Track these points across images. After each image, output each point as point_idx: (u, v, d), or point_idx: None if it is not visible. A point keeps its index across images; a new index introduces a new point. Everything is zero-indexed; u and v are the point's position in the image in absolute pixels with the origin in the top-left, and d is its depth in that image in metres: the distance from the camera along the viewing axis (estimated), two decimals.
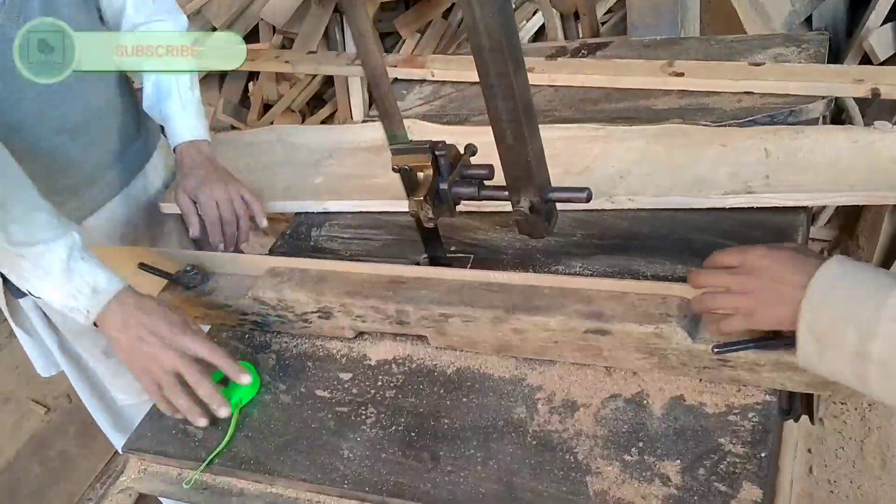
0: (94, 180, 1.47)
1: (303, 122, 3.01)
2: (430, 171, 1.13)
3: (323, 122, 2.98)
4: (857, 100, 2.36)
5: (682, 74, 1.46)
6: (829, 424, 2.07)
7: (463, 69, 1.74)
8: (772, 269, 0.86)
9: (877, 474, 1.95)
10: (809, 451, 2.03)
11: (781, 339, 0.90)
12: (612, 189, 1.27)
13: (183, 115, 1.45)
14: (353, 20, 1.07)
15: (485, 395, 1.07)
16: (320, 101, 3.02)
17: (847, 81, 1.33)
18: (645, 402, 1.00)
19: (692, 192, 1.22)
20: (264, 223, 1.41)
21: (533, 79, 1.64)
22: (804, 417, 1.41)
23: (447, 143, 1.13)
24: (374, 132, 1.59)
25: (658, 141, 1.34)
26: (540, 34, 2.81)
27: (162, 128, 1.57)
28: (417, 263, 1.28)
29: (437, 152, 1.12)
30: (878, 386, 0.76)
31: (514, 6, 2.85)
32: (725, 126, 1.33)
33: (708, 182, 1.23)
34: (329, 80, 2.96)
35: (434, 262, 1.28)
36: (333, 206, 1.44)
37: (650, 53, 1.62)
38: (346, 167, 1.55)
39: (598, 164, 1.34)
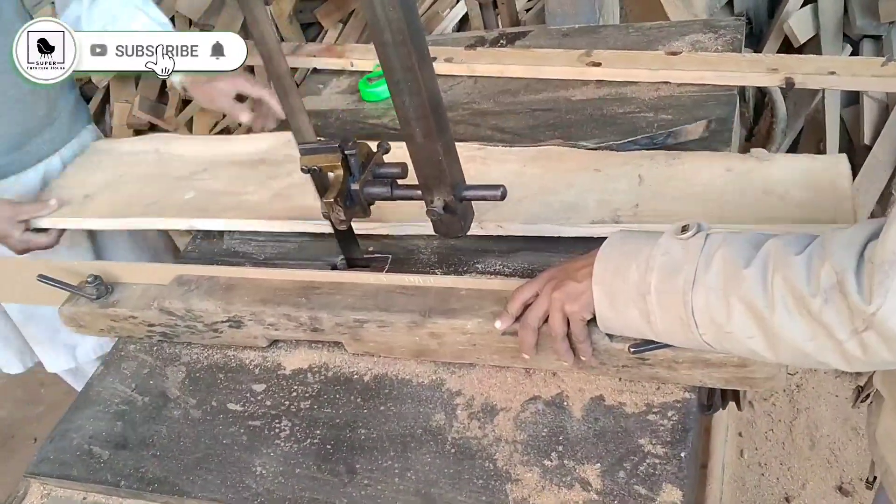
0: (18, 143, 1.49)
1: (223, 116, 2.92)
2: (341, 172, 1.08)
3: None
4: None
5: (599, 64, 1.44)
6: (759, 407, 2.10)
7: None
8: (562, 266, 0.94)
9: (806, 455, 1.98)
10: (740, 434, 2.05)
11: None
12: (483, 214, 1.19)
13: None
14: (253, 22, 1.02)
15: (403, 403, 1.03)
16: (241, 96, 2.93)
17: (762, 70, 1.32)
18: (565, 403, 0.97)
19: (561, 219, 1.16)
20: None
21: (452, 69, 1.61)
22: (731, 403, 1.41)
23: (358, 140, 1.09)
24: (255, 144, 1.53)
25: (535, 164, 1.28)
26: (464, 23, 2.78)
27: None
28: (334, 266, 1.24)
29: (346, 151, 1.08)
30: (659, 316, 0.82)
31: None
32: (604, 149, 1.26)
33: (578, 209, 1.16)
34: (250, 72, 2.88)
35: (351, 263, 1.23)
36: (200, 223, 1.35)
37: (569, 42, 1.60)
38: (220, 182, 1.44)
39: None
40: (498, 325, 0.97)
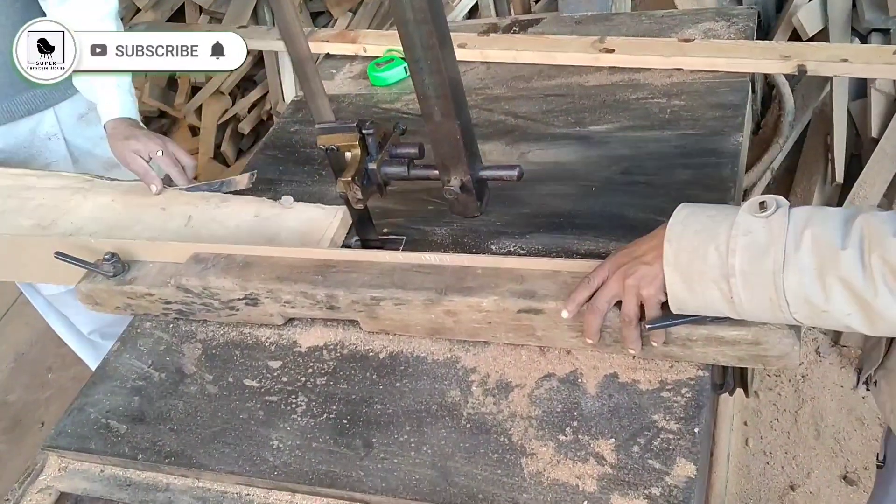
0: None
1: (233, 104, 2.93)
2: (358, 151, 1.10)
3: (254, 105, 2.91)
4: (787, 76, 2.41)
5: (612, 51, 1.45)
6: (764, 397, 2.11)
7: (396, 44, 1.70)
8: (627, 250, 0.92)
9: (811, 444, 1.99)
10: (745, 423, 2.06)
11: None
12: None
13: (117, 92, 1.47)
14: (277, 3, 1.03)
15: (418, 379, 1.04)
16: (251, 83, 2.95)
17: (774, 58, 1.33)
18: (579, 380, 0.99)
19: None
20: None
21: (465, 55, 1.62)
22: (739, 391, 1.43)
23: (375, 120, 1.10)
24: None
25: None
26: (474, 13, 2.79)
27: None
28: (349, 246, 1.25)
29: (364, 131, 1.09)
30: (745, 297, 0.81)
31: None
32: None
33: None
34: (259, 62, 2.89)
35: (365, 244, 1.24)
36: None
37: (581, 30, 1.61)
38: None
39: None
40: (564, 314, 0.95)
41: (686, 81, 1.39)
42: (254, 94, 2.86)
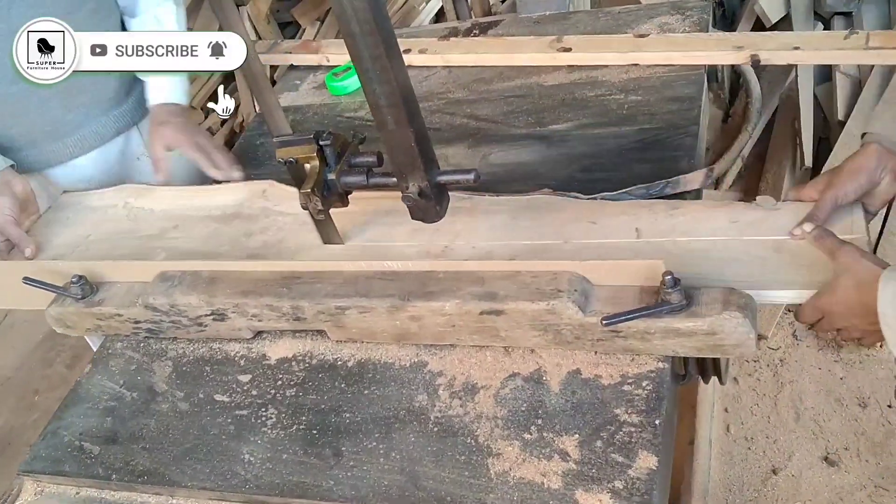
0: (57, 135, 1.49)
1: (206, 118, 2.93)
2: (317, 162, 1.10)
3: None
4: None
5: (570, 50, 1.47)
6: (744, 382, 2.13)
7: None
8: (833, 318, 0.93)
9: (791, 427, 2.01)
10: (726, 410, 2.08)
11: (665, 305, 0.91)
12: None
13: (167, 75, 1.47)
14: (225, 22, 1.04)
15: (386, 386, 1.05)
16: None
17: (727, 49, 1.35)
18: (543, 378, 1.00)
19: None
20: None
21: (427, 60, 1.63)
22: (714, 378, 1.44)
23: (332, 131, 1.11)
24: (228, 197, 1.38)
25: (525, 214, 1.17)
26: (441, 17, 2.80)
27: None
28: None
29: (321, 142, 1.10)
30: None
31: None
32: (598, 199, 1.15)
33: None
34: (230, 74, 2.89)
35: None
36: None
37: (540, 29, 1.62)
38: (193, 241, 1.32)
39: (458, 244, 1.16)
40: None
41: (643, 76, 1.41)
42: None
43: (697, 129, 1.26)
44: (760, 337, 2.20)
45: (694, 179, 1.17)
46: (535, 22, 1.66)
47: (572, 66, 1.48)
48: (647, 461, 0.87)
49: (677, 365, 1.03)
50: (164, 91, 1.48)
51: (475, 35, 1.68)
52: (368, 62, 0.95)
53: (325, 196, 1.11)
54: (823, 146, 2.51)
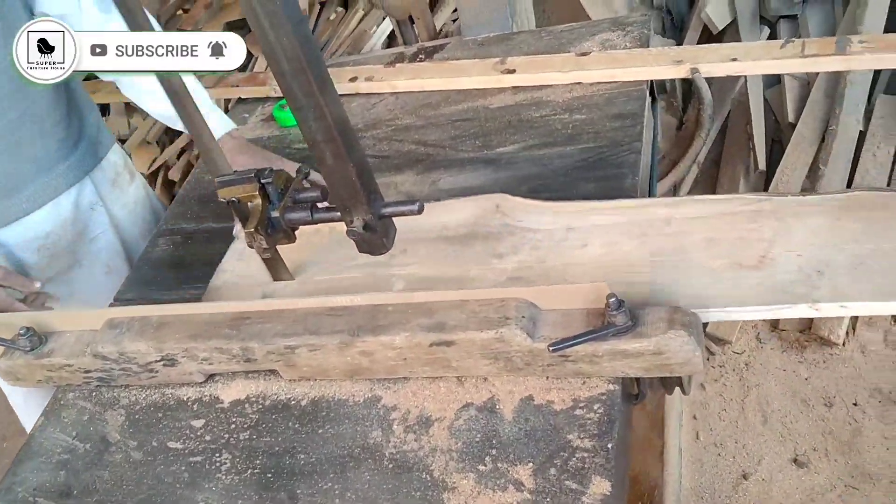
0: (7, 191, 1.44)
1: (161, 153, 2.91)
2: (260, 201, 1.10)
3: (183, 151, 2.89)
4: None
5: (513, 71, 1.47)
6: (710, 388, 2.14)
7: None
8: None
9: (759, 431, 2.02)
10: (695, 417, 2.09)
11: (610, 327, 0.91)
12: (813, 291, 0.96)
13: (208, 112, 1.41)
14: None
15: (340, 423, 1.04)
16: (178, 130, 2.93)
17: (667, 63, 1.36)
18: (497, 407, 0.99)
19: None
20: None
21: (374, 87, 1.63)
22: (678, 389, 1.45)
23: (274, 168, 1.11)
24: (452, 216, 1.23)
25: (849, 215, 1.03)
26: (393, 38, 2.81)
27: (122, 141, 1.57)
28: (266, 296, 1.24)
29: (263, 180, 1.09)
30: None
31: (362, 12, 2.83)
32: None
33: None
34: None
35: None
36: None
37: (484, 51, 1.63)
38: (432, 266, 1.19)
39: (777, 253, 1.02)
40: None
41: (586, 95, 1.42)
42: (181, 141, 2.85)
43: (640, 145, 1.27)
44: (724, 342, 2.22)
45: None
46: (479, 44, 1.67)
47: (517, 87, 1.49)
48: (600, 486, 0.87)
49: (629, 385, 1.03)
50: (219, 122, 1.45)
51: (421, 60, 1.68)
52: (301, 100, 0.95)
53: (269, 234, 1.10)
54: (776, 148, 2.54)
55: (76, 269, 1.59)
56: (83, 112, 1.56)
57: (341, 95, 1.63)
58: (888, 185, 2.24)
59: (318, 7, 2.85)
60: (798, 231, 1.04)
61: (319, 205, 1.11)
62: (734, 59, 1.33)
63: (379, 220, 1.08)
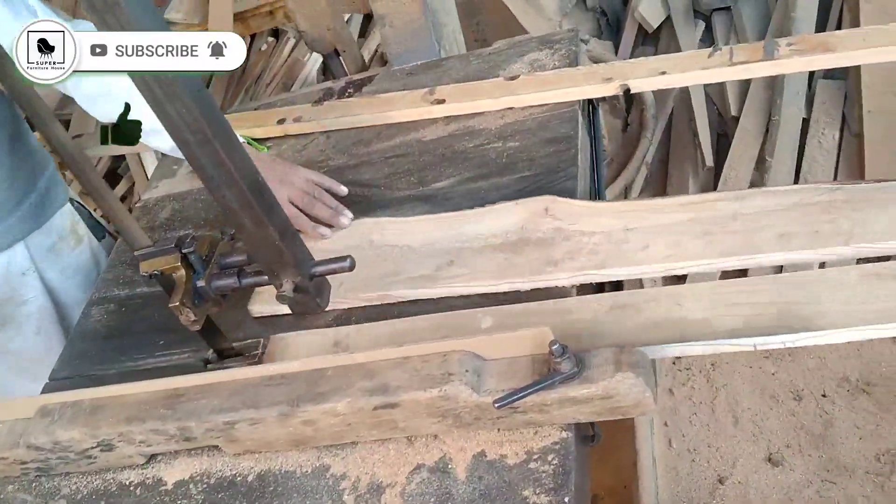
0: None
1: None
2: (183, 272, 1.04)
3: (123, 199, 2.81)
4: None
5: (444, 101, 1.44)
6: (679, 392, 2.12)
7: (240, 129, 1.61)
8: None
9: (731, 433, 2.00)
10: (666, 424, 2.07)
11: (556, 375, 0.87)
12: None
13: None
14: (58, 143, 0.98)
15: (289, 498, 1.00)
16: (115, 177, 2.86)
17: (597, 81, 1.33)
18: (449, 466, 0.95)
19: None
20: (343, 191, 1.37)
21: (303, 128, 1.59)
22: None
23: (196, 234, 1.06)
24: (498, 222, 1.20)
25: None
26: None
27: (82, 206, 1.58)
28: (207, 361, 1.19)
29: (184, 250, 1.04)
30: None
31: (293, 41, 2.78)
32: None
33: None
34: (122, 155, 2.80)
35: (221, 354, 1.19)
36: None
37: (414, 81, 1.59)
38: (483, 275, 1.14)
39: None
40: None
41: (518, 120, 1.38)
42: (119, 188, 2.77)
43: (576, 170, 1.24)
44: None
45: None
46: (407, 74, 1.63)
47: (449, 117, 1.45)
48: None
49: (584, 427, 0.99)
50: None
51: (350, 94, 1.63)
52: (211, 169, 0.91)
53: (196, 305, 1.05)
54: (723, 142, 2.54)
55: (6, 329, 1.53)
56: (35, 168, 1.49)
57: (270, 139, 1.60)
58: (835, 171, 2.24)
59: (248, 40, 2.80)
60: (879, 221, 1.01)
61: (247, 268, 1.07)
62: (663, 73, 1.30)
63: (310, 280, 1.03)
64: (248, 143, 1.56)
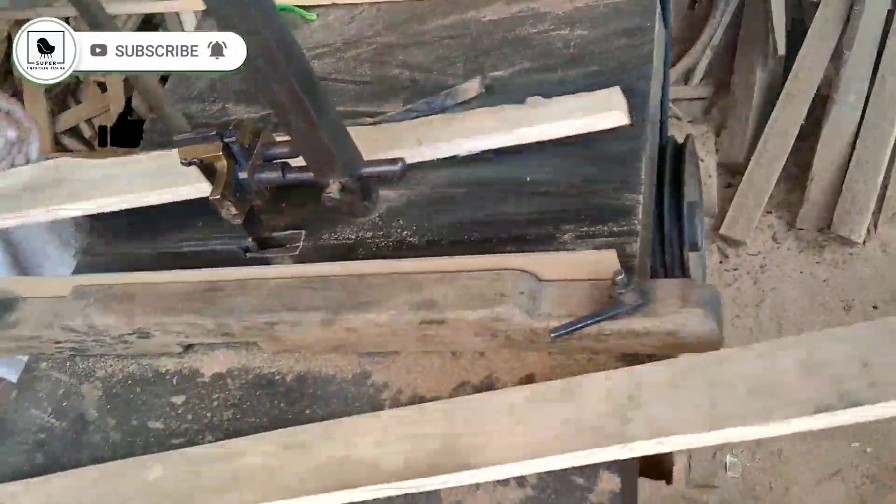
0: None
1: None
2: (224, 162, 0.98)
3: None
4: None
5: None
6: (724, 293, 2.06)
7: None
8: None
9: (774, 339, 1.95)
10: None
11: (620, 307, 0.82)
12: None
13: None
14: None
15: (328, 404, 0.97)
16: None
17: None
18: (495, 386, 0.91)
19: None
20: None
21: None
22: None
23: (241, 122, 0.99)
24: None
25: None
26: None
27: None
28: (246, 249, 1.15)
29: (226, 139, 0.97)
30: None
31: None
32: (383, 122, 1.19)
33: None
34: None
35: (262, 243, 1.14)
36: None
37: None
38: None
39: None
40: None
41: (589, 5, 1.26)
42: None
43: (651, 69, 1.13)
44: (739, 243, 2.12)
45: (471, 88, 1.19)
46: None
47: None
48: (609, 483, 0.80)
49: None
50: None
51: None
52: (261, 61, 0.82)
53: (238, 199, 0.99)
54: (798, 29, 2.35)
55: None
56: None
57: (317, 7, 1.49)
58: None
59: None
60: None
61: (292, 163, 1.00)
62: None
63: (358, 181, 0.97)
64: (293, 10, 1.46)
